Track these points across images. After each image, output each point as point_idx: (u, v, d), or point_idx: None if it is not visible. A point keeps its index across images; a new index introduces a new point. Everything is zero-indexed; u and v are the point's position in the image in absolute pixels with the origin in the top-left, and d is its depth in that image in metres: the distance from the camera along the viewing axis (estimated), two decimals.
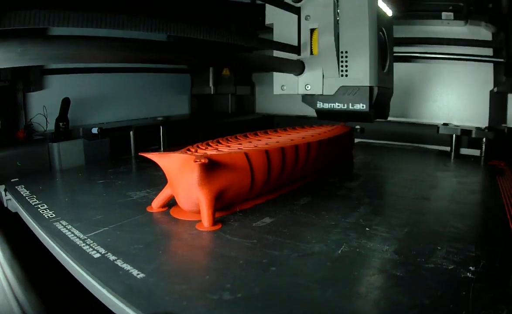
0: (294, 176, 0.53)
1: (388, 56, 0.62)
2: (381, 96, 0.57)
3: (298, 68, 0.57)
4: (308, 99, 0.60)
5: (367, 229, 0.39)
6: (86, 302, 0.31)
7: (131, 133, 0.86)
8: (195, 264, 0.32)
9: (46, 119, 0.77)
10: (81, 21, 0.32)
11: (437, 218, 0.42)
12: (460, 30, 1.01)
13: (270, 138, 0.58)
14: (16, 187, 0.54)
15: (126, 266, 0.31)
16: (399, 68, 1.11)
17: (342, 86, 0.56)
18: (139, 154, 0.42)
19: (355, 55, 0.55)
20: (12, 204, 0.50)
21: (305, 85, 0.58)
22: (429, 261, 0.32)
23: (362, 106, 0.55)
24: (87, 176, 0.62)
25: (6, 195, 0.52)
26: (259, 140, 0.55)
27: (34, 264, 0.41)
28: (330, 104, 0.58)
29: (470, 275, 0.30)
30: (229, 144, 0.50)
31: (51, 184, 0.58)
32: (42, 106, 0.76)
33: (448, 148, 0.97)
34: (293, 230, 0.38)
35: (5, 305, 0.37)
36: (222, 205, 0.42)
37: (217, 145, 0.50)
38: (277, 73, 0.60)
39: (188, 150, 0.48)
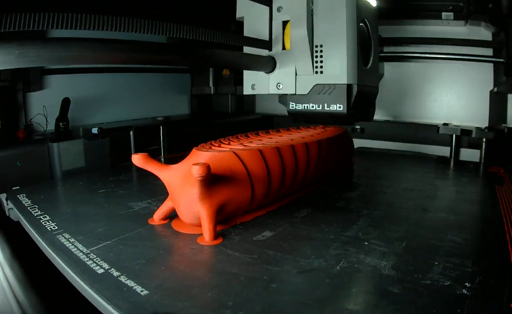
0: (294, 187, 0.53)
1: (372, 51, 0.55)
2: (362, 95, 0.51)
3: (268, 65, 0.51)
4: (283, 99, 0.55)
5: (365, 243, 0.39)
6: (86, 302, 0.32)
7: (131, 133, 0.86)
8: (198, 281, 0.33)
9: (46, 119, 0.77)
10: (79, 24, 0.32)
11: (435, 231, 0.43)
12: (460, 30, 1.00)
13: (271, 138, 0.57)
14: (17, 196, 0.54)
15: (130, 283, 0.32)
16: (400, 68, 1.11)
17: (317, 84, 0.50)
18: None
19: (330, 49, 0.49)
20: (14, 214, 0.51)
21: (277, 84, 0.52)
22: (426, 277, 0.33)
23: (339, 107, 0.49)
24: (88, 185, 0.62)
25: (8, 204, 0.53)
26: (260, 140, 0.54)
27: (34, 264, 0.41)
28: (303, 104, 0.52)
29: (465, 292, 0.31)
30: (230, 143, 0.50)
31: (52, 193, 0.59)
32: (42, 106, 0.77)
33: (448, 148, 0.98)
34: (293, 244, 0.39)
35: (5, 305, 0.38)
36: (223, 217, 0.43)
37: (219, 145, 0.50)
38: (247, 71, 0.55)
39: (212, 144, 0.48)
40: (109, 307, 0.29)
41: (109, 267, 0.34)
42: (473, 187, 0.67)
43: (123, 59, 0.38)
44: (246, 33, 0.54)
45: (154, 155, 0.92)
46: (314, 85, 0.51)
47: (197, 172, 0.36)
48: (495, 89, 0.97)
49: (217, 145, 0.49)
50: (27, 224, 0.44)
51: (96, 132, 0.77)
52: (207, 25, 0.43)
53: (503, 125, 0.96)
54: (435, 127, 0.98)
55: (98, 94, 0.91)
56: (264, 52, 0.53)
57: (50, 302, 0.39)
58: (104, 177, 0.68)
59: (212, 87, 1.12)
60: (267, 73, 0.54)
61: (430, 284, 0.32)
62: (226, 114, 1.22)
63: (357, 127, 1.12)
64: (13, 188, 0.58)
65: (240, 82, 1.18)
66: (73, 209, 0.50)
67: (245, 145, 0.49)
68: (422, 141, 1.06)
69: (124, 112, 0.98)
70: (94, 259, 0.36)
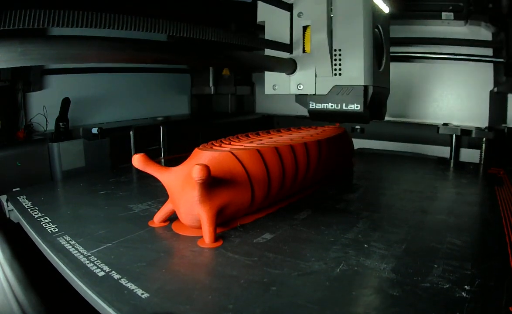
0: (294, 189, 0.53)
1: (385, 55, 0.60)
2: (376, 96, 0.55)
3: (289, 67, 0.55)
4: (301, 99, 0.58)
5: (365, 245, 0.39)
6: (86, 302, 0.32)
7: (131, 133, 0.86)
8: (198, 284, 0.33)
9: (46, 119, 0.77)
10: (81, 21, 0.32)
11: (435, 234, 0.43)
12: (460, 30, 1.00)
13: (271, 138, 0.58)
14: (18, 197, 0.54)
15: (131, 285, 0.32)
16: (400, 68, 1.11)
17: (336, 85, 0.54)
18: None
19: (349, 53, 0.53)
20: (15, 215, 0.51)
21: (297, 85, 0.56)
22: (425, 280, 0.33)
23: (357, 107, 0.53)
24: (88, 186, 0.62)
25: (8, 206, 0.53)
26: (260, 140, 0.55)
27: (34, 264, 0.41)
28: (323, 104, 0.55)
29: (464, 295, 0.31)
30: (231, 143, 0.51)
31: (52, 195, 0.59)
32: (42, 106, 0.77)
33: (448, 148, 0.98)
34: (293, 247, 0.39)
35: (5, 305, 0.38)
36: (223, 220, 0.43)
37: (220, 145, 0.50)
38: (269, 72, 0.58)
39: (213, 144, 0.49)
40: (110, 310, 0.29)
41: (110, 269, 0.34)
42: (473, 188, 0.67)
43: (132, 57, 0.38)
44: (267, 36, 0.58)
45: (154, 155, 0.93)
46: (333, 86, 0.55)
47: (197, 175, 0.36)
48: (495, 89, 0.97)
49: (218, 145, 0.50)
50: (28, 226, 0.45)
51: (96, 132, 0.77)
52: (225, 27, 0.43)
53: (503, 125, 0.96)
54: (435, 127, 0.98)
55: (98, 94, 0.91)
56: (285, 55, 0.57)
57: (50, 302, 0.39)
58: (104, 178, 0.68)
59: (212, 87, 1.12)
60: (288, 74, 0.57)
61: (430, 287, 0.32)
62: (226, 114, 1.22)
63: (357, 127, 1.12)
64: (13, 190, 0.58)
65: (240, 82, 1.19)
66: (74, 211, 0.50)
67: (246, 146, 0.49)
68: (422, 141, 1.06)
69: (124, 112, 0.98)
70: (95, 262, 0.36)
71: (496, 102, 0.99)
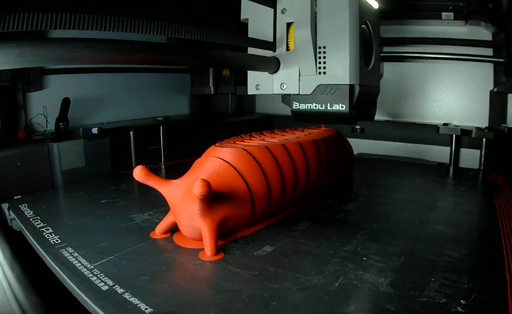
0: (294, 199, 0.54)
1: (374, 52, 0.57)
2: (364, 95, 0.53)
3: (272, 65, 0.53)
4: (286, 99, 0.56)
5: (364, 258, 0.40)
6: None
7: (131, 133, 0.86)
8: (200, 298, 0.34)
9: (46, 119, 0.77)
10: (79, 24, 0.32)
11: (433, 245, 0.44)
12: (460, 30, 1.00)
13: (273, 137, 0.58)
14: (19, 206, 0.54)
15: (134, 300, 0.32)
16: (400, 68, 1.10)
17: (320, 84, 0.52)
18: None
19: (333, 50, 0.51)
20: (17, 224, 0.51)
21: (281, 84, 0.53)
22: (423, 294, 0.34)
23: (342, 107, 0.51)
24: (89, 194, 0.63)
25: (10, 214, 0.53)
26: (263, 140, 0.55)
27: (34, 264, 0.42)
28: (307, 104, 0.53)
29: (460, 309, 0.31)
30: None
31: (53, 203, 0.59)
32: (42, 106, 0.77)
33: (448, 148, 0.98)
34: (292, 260, 0.40)
35: (5, 305, 0.39)
36: (224, 232, 0.43)
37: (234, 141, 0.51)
38: (252, 71, 0.56)
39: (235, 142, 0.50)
40: None
41: (113, 283, 0.35)
42: (472, 197, 0.68)
43: (124, 59, 0.37)
44: (251, 34, 0.55)
45: (154, 155, 0.93)
46: (317, 86, 0.52)
47: (198, 190, 0.36)
48: (495, 89, 0.97)
49: (232, 141, 0.51)
50: (31, 237, 0.45)
51: (96, 132, 0.77)
52: (209, 26, 0.43)
53: (503, 125, 0.96)
54: (435, 127, 0.98)
55: (98, 94, 0.91)
56: (268, 53, 0.54)
57: (50, 302, 0.40)
58: (105, 185, 0.68)
59: (212, 87, 1.12)
60: (271, 73, 0.55)
61: (426, 301, 0.33)
62: (226, 114, 1.22)
63: (357, 127, 1.12)
64: (15, 198, 0.58)
65: (240, 82, 1.18)
66: (75, 221, 0.51)
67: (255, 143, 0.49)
68: (422, 141, 1.06)
69: (124, 112, 0.98)
70: (98, 275, 0.36)
71: (496, 102, 1.00)
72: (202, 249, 0.41)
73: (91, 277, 0.36)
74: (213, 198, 0.39)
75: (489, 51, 0.97)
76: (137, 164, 0.85)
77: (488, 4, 0.92)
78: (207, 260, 0.39)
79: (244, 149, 0.45)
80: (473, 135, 0.94)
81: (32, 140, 0.70)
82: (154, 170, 0.84)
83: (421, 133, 1.06)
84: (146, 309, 0.31)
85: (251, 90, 0.57)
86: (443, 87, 1.06)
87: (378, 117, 1.11)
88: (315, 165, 0.55)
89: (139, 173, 0.42)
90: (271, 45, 0.54)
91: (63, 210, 0.58)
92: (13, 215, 0.53)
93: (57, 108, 0.73)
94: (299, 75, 0.53)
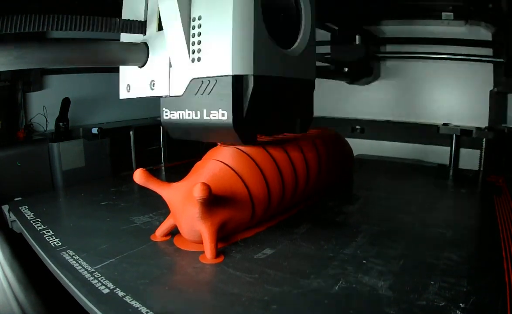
0: (293, 201, 0.54)
1: (303, 28, 0.39)
2: (273, 94, 0.35)
3: (140, 54, 0.36)
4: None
5: (363, 261, 0.40)
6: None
7: (131, 133, 0.86)
8: (201, 302, 0.34)
9: (46, 119, 0.77)
10: (79, 25, 0.31)
11: (432, 248, 0.44)
12: (460, 30, 1.00)
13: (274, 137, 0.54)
14: (20, 207, 0.55)
15: (135, 304, 0.33)
16: (399, 68, 1.10)
17: (194, 78, 0.34)
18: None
19: (211, 22, 0.32)
20: (17, 226, 0.52)
21: (150, 82, 0.37)
22: (422, 297, 0.34)
23: (222, 115, 0.32)
24: (89, 196, 0.63)
25: (10, 216, 0.53)
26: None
27: (34, 264, 0.42)
28: (178, 111, 0.35)
29: (459, 313, 0.32)
30: None
31: (54, 205, 0.59)
32: (42, 106, 0.76)
33: (448, 148, 0.98)
34: (292, 263, 0.40)
35: (5, 305, 0.39)
36: (224, 234, 0.43)
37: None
38: (123, 67, 0.41)
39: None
40: None
41: (114, 287, 0.35)
42: (472, 199, 0.68)
43: None
44: (124, 16, 0.39)
45: (154, 155, 0.92)
46: (191, 80, 0.34)
47: (198, 194, 0.36)
48: (495, 89, 0.97)
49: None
50: (32, 240, 0.45)
51: (96, 132, 0.77)
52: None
53: (503, 125, 0.96)
54: (435, 127, 0.98)
55: (98, 94, 0.91)
56: (139, 39, 0.38)
57: (50, 302, 0.40)
58: (106, 187, 0.68)
59: None
60: (140, 67, 0.38)
61: (426, 305, 0.33)
62: None
63: (357, 127, 1.12)
64: (15, 199, 0.58)
65: None
66: (76, 223, 0.51)
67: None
68: (422, 141, 1.06)
69: (124, 112, 0.98)
70: (99, 278, 0.36)
71: (496, 102, 1.00)
72: (203, 252, 0.41)
73: (92, 280, 0.36)
74: (213, 201, 0.39)
75: (489, 51, 0.97)
76: (137, 164, 0.86)
77: (488, 4, 0.92)
78: (208, 263, 0.40)
79: (244, 151, 0.45)
80: (473, 135, 0.94)
81: (32, 140, 0.71)
82: (155, 172, 0.84)
83: (421, 133, 1.06)
84: (147, 312, 0.31)
85: (122, 94, 0.43)
86: (443, 87, 1.06)
87: (378, 117, 1.12)
88: (315, 166, 0.55)
89: (139, 176, 0.42)
90: (139, 26, 0.37)
91: (64, 212, 0.58)
92: (13, 217, 0.53)
93: (57, 108, 0.73)
94: (169, 66, 0.36)
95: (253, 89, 0.33)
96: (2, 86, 0.71)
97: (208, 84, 0.33)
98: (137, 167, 0.83)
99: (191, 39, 0.34)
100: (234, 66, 0.32)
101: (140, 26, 0.37)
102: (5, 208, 0.55)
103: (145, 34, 0.37)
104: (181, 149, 0.97)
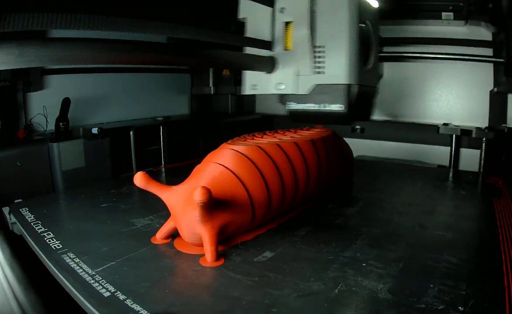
0: (294, 204, 0.54)
1: (373, 52, 0.58)
2: (361, 95, 0.53)
3: (269, 65, 0.53)
4: (283, 99, 0.56)
5: (363, 264, 0.40)
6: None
7: (131, 133, 0.86)
8: (201, 306, 0.34)
9: (46, 119, 0.77)
10: (79, 24, 0.32)
11: (432, 251, 0.44)
12: (460, 30, 1.00)
13: (274, 137, 0.57)
14: (20, 209, 0.55)
15: (136, 307, 0.33)
16: (399, 68, 1.10)
17: (318, 84, 0.52)
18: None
19: (331, 49, 0.51)
20: (18, 228, 0.52)
21: (278, 84, 0.54)
22: (421, 300, 0.34)
23: (339, 107, 0.51)
24: (90, 198, 0.63)
25: (10, 218, 0.54)
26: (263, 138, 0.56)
27: (34, 264, 0.42)
28: (304, 104, 0.54)
29: None
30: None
31: (54, 207, 0.59)
32: (42, 106, 0.76)
33: (448, 148, 0.98)
34: (292, 266, 0.40)
35: (5, 305, 0.39)
36: (224, 237, 0.43)
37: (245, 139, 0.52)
38: (248, 71, 0.56)
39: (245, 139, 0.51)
40: None
41: (115, 290, 0.35)
42: (471, 201, 0.68)
43: (122, 59, 0.38)
44: (249, 33, 0.56)
45: (154, 155, 0.93)
46: (315, 85, 0.53)
47: (198, 197, 0.36)
48: (495, 89, 0.97)
49: (243, 139, 0.53)
50: (32, 242, 0.45)
51: (96, 132, 0.77)
52: (207, 26, 0.44)
53: (503, 125, 0.96)
54: (435, 127, 0.98)
55: (98, 94, 0.91)
56: (265, 53, 0.55)
57: (50, 303, 0.40)
58: (106, 189, 0.68)
59: (212, 87, 1.12)
60: (268, 73, 0.55)
61: (425, 308, 0.33)
62: (226, 114, 1.22)
63: (357, 127, 1.12)
64: (15, 201, 0.58)
65: (240, 82, 1.18)
66: (76, 226, 0.51)
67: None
68: (422, 141, 1.06)
69: (124, 112, 0.98)
70: (100, 281, 0.36)
71: (496, 102, 1.00)
72: (203, 255, 0.41)
73: (93, 283, 0.36)
74: (213, 204, 0.40)
75: (489, 51, 0.97)
76: (137, 164, 0.86)
77: (488, 4, 0.92)
78: (208, 266, 0.40)
79: (244, 154, 0.45)
80: (473, 135, 0.94)
81: (32, 140, 0.70)
82: (155, 173, 0.84)
83: (421, 133, 1.06)
84: None
85: (247, 90, 0.57)
86: (443, 87, 1.06)
87: (378, 117, 1.12)
88: (315, 168, 0.55)
89: (139, 179, 0.42)
90: (269, 45, 0.54)
91: (64, 214, 0.58)
92: (13, 219, 0.53)
93: (57, 108, 0.73)
94: (297, 75, 0.54)
95: (357, 92, 0.53)
96: (2, 86, 0.71)
97: (329, 88, 0.53)
98: (137, 167, 0.84)
99: (315, 59, 0.53)
100: (347, 79, 0.52)
101: (269, 45, 0.55)
102: (6, 210, 0.55)
103: (272, 51, 0.55)
104: (181, 149, 0.97)
